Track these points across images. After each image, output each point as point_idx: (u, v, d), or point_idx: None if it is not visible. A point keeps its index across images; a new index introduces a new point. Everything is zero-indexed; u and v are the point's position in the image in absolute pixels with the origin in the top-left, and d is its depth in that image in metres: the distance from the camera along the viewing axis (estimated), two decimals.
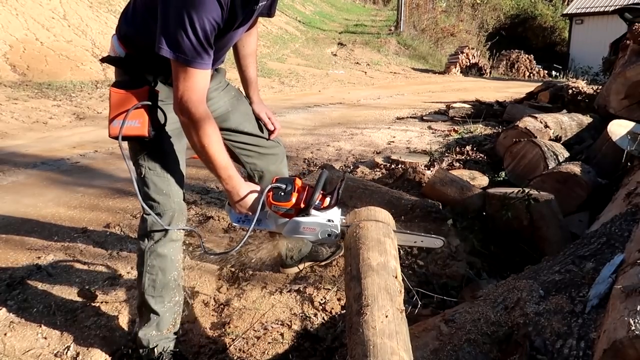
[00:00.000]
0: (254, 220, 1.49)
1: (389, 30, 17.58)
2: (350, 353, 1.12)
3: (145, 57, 1.46)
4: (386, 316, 1.17)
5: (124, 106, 1.44)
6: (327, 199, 1.54)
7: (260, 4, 1.48)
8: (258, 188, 1.56)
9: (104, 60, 1.56)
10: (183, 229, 1.65)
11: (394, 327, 1.15)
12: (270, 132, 1.88)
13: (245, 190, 1.51)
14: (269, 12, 1.68)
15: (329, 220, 1.51)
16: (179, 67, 1.32)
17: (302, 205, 1.49)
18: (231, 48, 1.71)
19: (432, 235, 1.69)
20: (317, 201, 1.49)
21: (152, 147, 1.53)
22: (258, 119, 1.86)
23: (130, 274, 2.20)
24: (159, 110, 1.51)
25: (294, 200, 1.49)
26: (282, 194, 1.49)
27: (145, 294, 1.63)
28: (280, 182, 1.52)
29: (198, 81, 1.34)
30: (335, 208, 1.52)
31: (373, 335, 1.11)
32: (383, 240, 1.44)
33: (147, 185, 1.55)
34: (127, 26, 1.50)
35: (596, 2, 18.59)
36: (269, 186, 1.51)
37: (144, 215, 1.58)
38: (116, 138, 1.44)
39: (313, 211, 1.49)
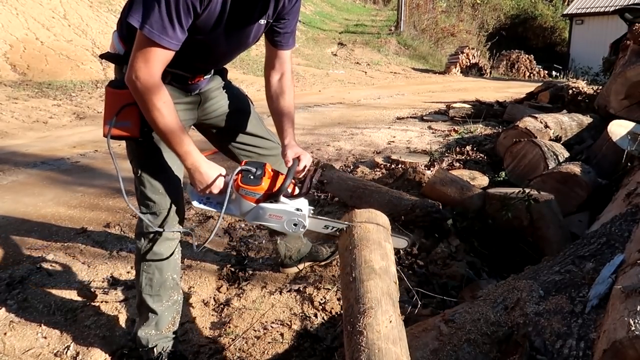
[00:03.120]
0: (225, 204, 1.43)
1: (389, 30, 17.58)
2: (352, 355, 1.11)
3: None
4: (390, 321, 1.16)
5: (117, 105, 1.43)
6: (297, 188, 1.49)
7: (267, 19, 1.46)
8: (223, 170, 1.50)
9: (103, 56, 1.56)
10: (176, 231, 1.62)
11: (397, 333, 1.15)
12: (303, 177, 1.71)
13: (208, 169, 1.46)
14: (288, 43, 1.64)
15: (297, 209, 1.46)
16: (141, 38, 1.29)
17: (273, 191, 1.44)
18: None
19: (399, 235, 1.67)
20: (287, 188, 1.45)
21: (148, 147, 1.53)
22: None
23: (130, 274, 2.20)
24: None
25: (264, 185, 1.44)
26: (252, 177, 1.44)
27: (143, 293, 1.63)
28: (250, 165, 1.47)
29: (156, 56, 1.31)
30: (303, 198, 1.48)
31: (378, 340, 1.10)
32: (384, 244, 1.43)
33: (143, 185, 1.55)
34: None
35: (596, 2, 18.58)
36: (239, 168, 1.45)
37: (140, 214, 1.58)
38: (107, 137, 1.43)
39: (282, 198, 1.44)
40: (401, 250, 2.23)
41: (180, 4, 1.24)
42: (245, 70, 9.89)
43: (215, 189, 1.48)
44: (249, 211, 1.47)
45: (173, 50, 1.33)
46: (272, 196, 1.44)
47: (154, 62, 1.32)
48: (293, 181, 1.48)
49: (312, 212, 1.53)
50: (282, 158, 1.65)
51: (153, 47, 1.29)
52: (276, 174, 1.49)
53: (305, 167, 1.62)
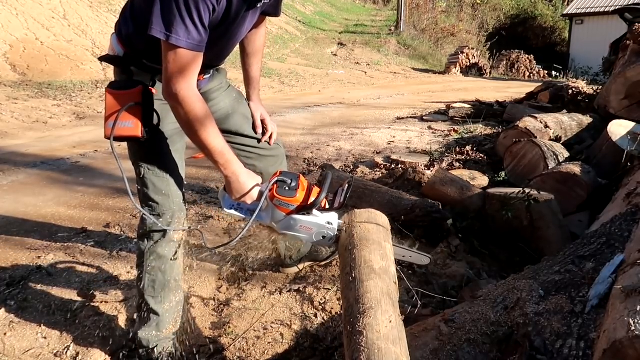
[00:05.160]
0: (257, 212, 1.45)
1: (389, 30, 17.58)
2: (351, 355, 1.11)
3: (144, 55, 1.46)
4: (390, 321, 1.15)
5: (118, 107, 1.43)
6: (328, 202, 1.52)
7: (263, 1, 1.47)
8: (260, 179, 1.53)
9: (102, 59, 1.56)
10: (182, 229, 1.63)
11: (397, 333, 1.14)
12: (262, 135, 1.85)
13: (246, 179, 1.47)
14: (275, 11, 1.68)
15: (328, 223, 1.48)
16: (170, 49, 1.28)
17: (307, 204, 1.46)
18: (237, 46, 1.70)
19: (421, 252, 1.68)
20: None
21: (151, 147, 1.53)
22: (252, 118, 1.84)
23: (130, 274, 2.20)
24: (158, 109, 1.50)
25: (299, 196, 1.46)
26: (287, 188, 1.46)
27: (145, 295, 1.63)
28: (285, 176, 1.48)
29: (189, 64, 1.31)
30: (335, 212, 1.50)
31: (378, 340, 1.09)
32: (384, 245, 1.43)
33: (146, 186, 1.55)
34: (127, 24, 1.49)
35: (596, 2, 18.58)
36: (275, 179, 1.47)
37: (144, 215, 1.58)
38: (109, 139, 1.43)
39: (314, 211, 1.46)
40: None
41: (200, 4, 1.24)
42: None
43: (250, 199, 1.49)
44: (280, 221, 1.49)
45: (202, 52, 1.33)
46: (305, 208, 1.46)
47: (189, 69, 1.32)
48: (325, 196, 1.49)
49: (340, 225, 1.55)
50: (249, 108, 1.81)
51: (184, 54, 1.29)
52: (310, 186, 1.50)
53: (272, 133, 1.84)
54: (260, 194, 1.48)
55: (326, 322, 1.87)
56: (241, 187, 1.47)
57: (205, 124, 1.37)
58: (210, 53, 1.43)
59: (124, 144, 1.53)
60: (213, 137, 1.39)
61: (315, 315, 1.91)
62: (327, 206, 1.51)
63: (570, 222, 2.60)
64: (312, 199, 1.46)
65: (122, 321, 1.91)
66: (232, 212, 1.56)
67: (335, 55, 14.44)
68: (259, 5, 1.46)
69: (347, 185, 1.53)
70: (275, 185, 1.46)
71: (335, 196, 1.52)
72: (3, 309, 1.93)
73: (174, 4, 1.23)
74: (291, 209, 1.47)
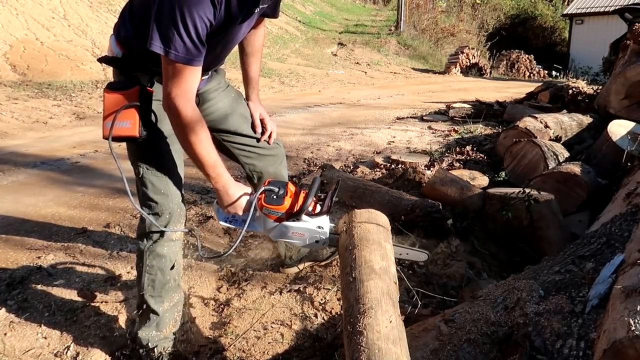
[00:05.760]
0: (248, 222, 1.48)
1: (389, 30, 17.58)
2: (352, 355, 1.11)
3: (142, 57, 1.46)
4: (390, 321, 1.16)
5: (116, 107, 1.44)
6: (318, 206, 1.53)
7: (260, 7, 1.47)
8: (249, 189, 1.55)
9: (101, 60, 1.57)
10: (180, 231, 1.64)
11: (397, 333, 1.14)
12: (261, 134, 1.86)
13: (235, 190, 1.50)
14: (274, 13, 1.68)
15: (318, 227, 1.50)
16: (169, 63, 1.32)
17: (295, 210, 1.48)
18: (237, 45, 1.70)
19: (418, 249, 1.69)
20: (309, 207, 1.48)
21: (149, 147, 1.53)
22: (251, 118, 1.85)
23: (130, 274, 2.20)
24: (156, 109, 1.51)
25: (286, 204, 1.48)
26: (275, 197, 1.48)
27: (144, 294, 1.63)
28: (273, 184, 1.51)
29: (187, 78, 1.34)
30: (325, 215, 1.51)
31: (378, 340, 1.09)
32: (384, 245, 1.43)
33: (145, 186, 1.55)
34: (125, 26, 1.50)
35: (596, 2, 18.58)
36: (262, 188, 1.50)
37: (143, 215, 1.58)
38: (107, 139, 1.44)
39: (304, 217, 1.48)
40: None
41: (197, 21, 1.26)
42: None
43: (240, 209, 1.52)
44: (272, 229, 1.52)
45: (200, 66, 1.36)
46: (294, 215, 1.48)
47: (187, 83, 1.35)
48: (314, 199, 1.50)
49: (333, 228, 1.56)
50: (248, 108, 1.82)
51: (182, 69, 1.32)
52: (297, 192, 1.51)
53: (272, 132, 1.84)
54: (249, 203, 1.51)
55: (326, 322, 1.87)
56: (230, 198, 1.50)
57: (200, 137, 1.40)
58: (208, 57, 1.44)
59: (124, 144, 1.54)
60: (207, 151, 1.43)
61: (316, 315, 1.91)
62: (318, 210, 1.52)
63: (570, 222, 2.60)
64: (299, 205, 1.48)
65: (122, 321, 1.91)
66: (227, 224, 1.59)
67: (335, 55, 14.44)
68: (256, 11, 1.47)
69: (334, 188, 1.54)
70: (264, 195, 1.49)
71: (325, 200, 1.53)
72: (3, 309, 1.93)
73: (171, 21, 1.26)
74: (280, 217, 1.49)
